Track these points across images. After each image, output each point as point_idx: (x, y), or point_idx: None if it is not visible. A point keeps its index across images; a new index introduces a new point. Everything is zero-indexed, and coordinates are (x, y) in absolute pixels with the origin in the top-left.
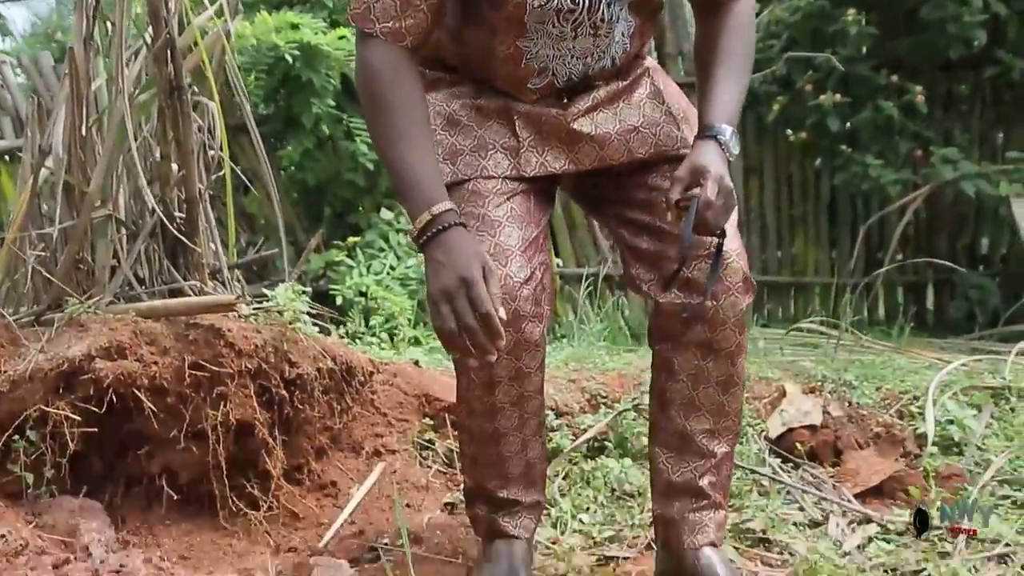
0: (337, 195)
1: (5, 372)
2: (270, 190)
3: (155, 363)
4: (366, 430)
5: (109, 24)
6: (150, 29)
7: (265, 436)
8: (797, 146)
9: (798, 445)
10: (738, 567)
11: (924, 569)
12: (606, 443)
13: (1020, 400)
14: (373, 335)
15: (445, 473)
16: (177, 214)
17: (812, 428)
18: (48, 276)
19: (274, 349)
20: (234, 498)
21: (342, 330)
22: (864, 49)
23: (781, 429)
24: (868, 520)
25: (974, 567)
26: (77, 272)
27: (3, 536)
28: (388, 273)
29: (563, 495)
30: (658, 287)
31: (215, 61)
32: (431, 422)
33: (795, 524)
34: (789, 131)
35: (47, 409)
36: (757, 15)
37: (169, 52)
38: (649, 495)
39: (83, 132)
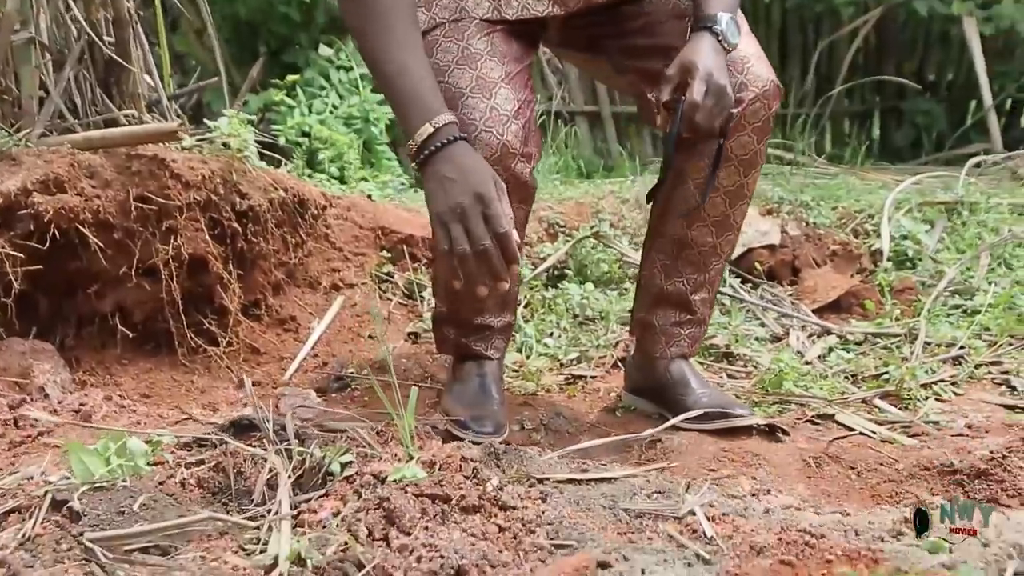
0: (272, 31)
1: None
2: (203, 14)
3: (97, 197)
4: (322, 265)
5: None
6: None
7: (220, 271)
8: None
9: (757, 265)
10: (705, 379)
11: (884, 372)
12: (566, 271)
13: (972, 214)
14: (322, 171)
15: (406, 305)
16: (106, 38)
17: (771, 248)
18: None
19: (223, 180)
20: (192, 335)
21: (288, 167)
22: None
23: (741, 250)
24: (827, 332)
25: (931, 369)
26: (2, 103)
27: None
28: (331, 112)
29: (527, 321)
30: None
31: None
32: (388, 255)
33: (757, 339)
34: None
35: None
36: None
37: None
38: (611, 320)
39: None
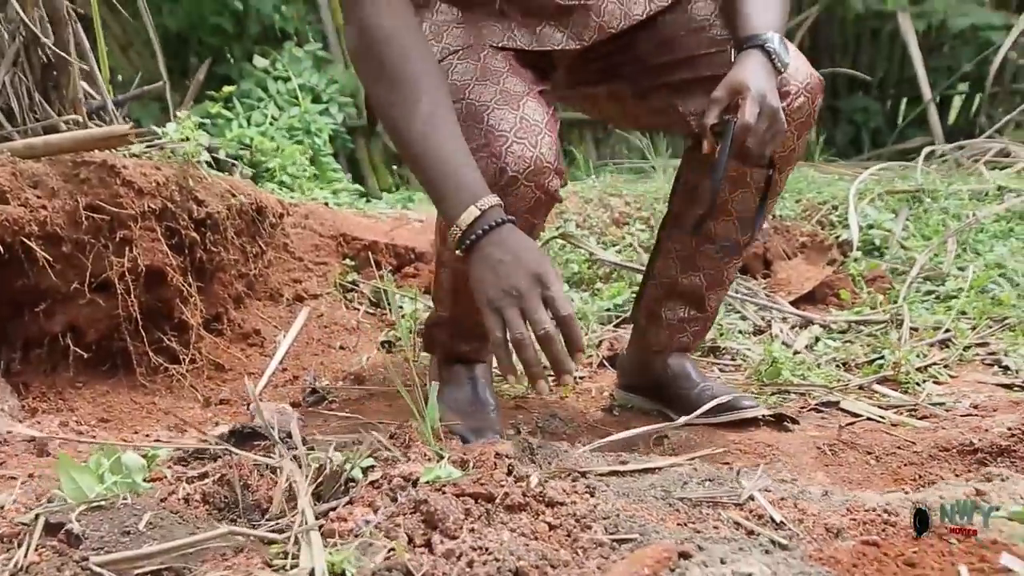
0: (203, 43)
1: None
2: (143, 15)
3: (43, 207)
4: (283, 276)
5: None
6: None
7: (179, 283)
8: None
9: None
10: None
11: (878, 358)
12: None
13: (934, 201)
14: (271, 180)
15: (374, 314)
16: (43, 39)
17: None
18: None
19: (178, 187)
20: (152, 353)
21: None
22: None
23: None
24: (809, 323)
25: (922, 353)
26: None
27: None
28: (271, 124)
29: None
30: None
31: None
32: (352, 263)
33: (740, 332)
34: None
35: None
36: None
37: None
38: (590, 319)
39: None
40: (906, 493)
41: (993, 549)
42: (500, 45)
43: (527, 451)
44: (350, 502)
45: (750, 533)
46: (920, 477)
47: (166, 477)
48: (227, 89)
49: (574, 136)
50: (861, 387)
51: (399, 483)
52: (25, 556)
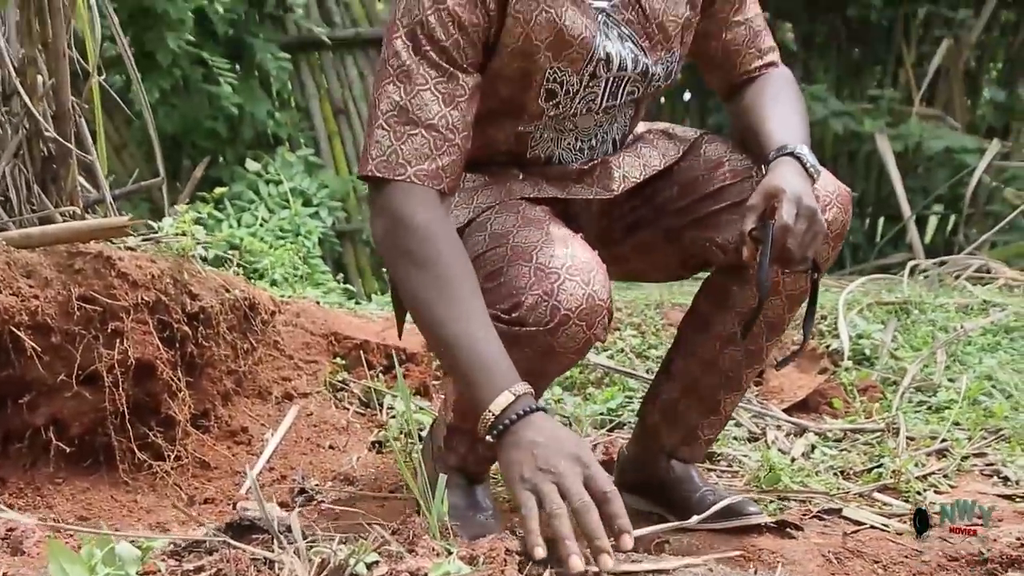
0: (196, 145)
1: None
2: (144, 113)
3: (35, 297)
4: (273, 373)
5: None
6: None
7: (168, 377)
8: (671, 90)
9: None
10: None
11: (876, 466)
12: None
13: (921, 313)
14: (261, 277)
15: (364, 414)
16: (46, 131)
17: None
18: None
19: (173, 280)
20: (136, 448)
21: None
22: None
23: None
24: (804, 431)
25: (920, 462)
26: None
27: None
28: (261, 225)
29: None
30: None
31: None
32: (343, 362)
33: (735, 439)
34: None
35: None
36: None
37: None
38: (584, 423)
39: None
40: None
41: None
42: (532, 197)
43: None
44: None
45: None
46: None
47: (160, 571)
48: (219, 191)
49: None
50: (861, 495)
51: None
52: None
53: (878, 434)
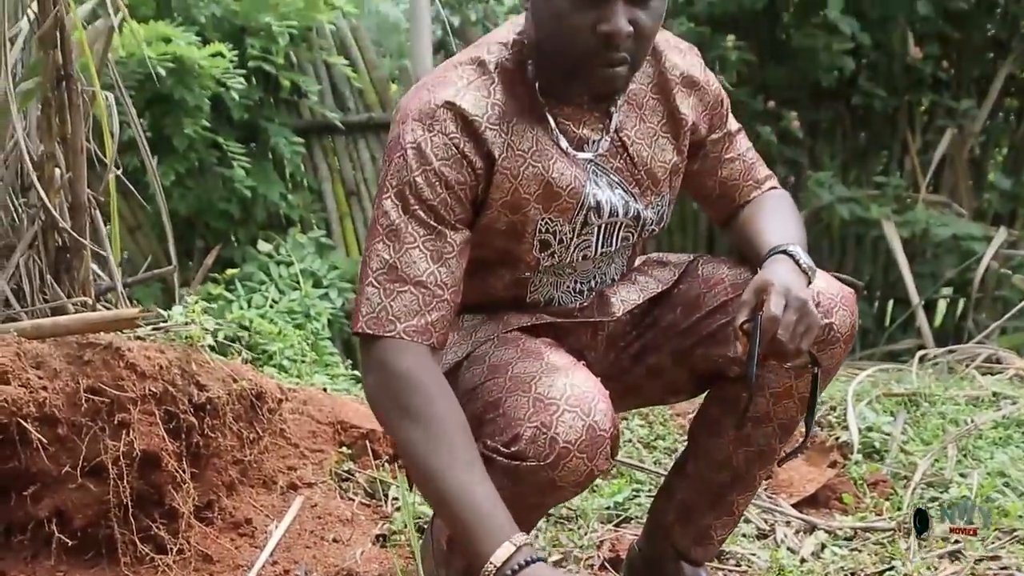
0: (209, 227)
1: None
2: (159, 202)
3: (44, 388)
4: (278, 462)
5: None
6: (32, 7)
7: (173, 469)
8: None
9: None
10: None
11: (888, 568)
12: None
13: (931, 406)
14: (270, 364)
15: (369, 505)
16: (61, 223)
17: None
18: None
19: (181, 371)
20: (138, 541)
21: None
22: (736, 74)
23: None
24: (814, 528)
25: (932, 565)
26: None
27: None
28: (271, 307)
29: None
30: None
31: (97, 58)
32: (349, 451)
33: (744, 536)
34: None
35: None
36: None
37: (59, 34)
38: (590, 517)
39: None
40: None
41: None
42: (531, 324)
43: None
44: None
45: None
46: None
47: None
48: (230, 272)
49: None
50: None
51: None
52: None
53: (889, 533)
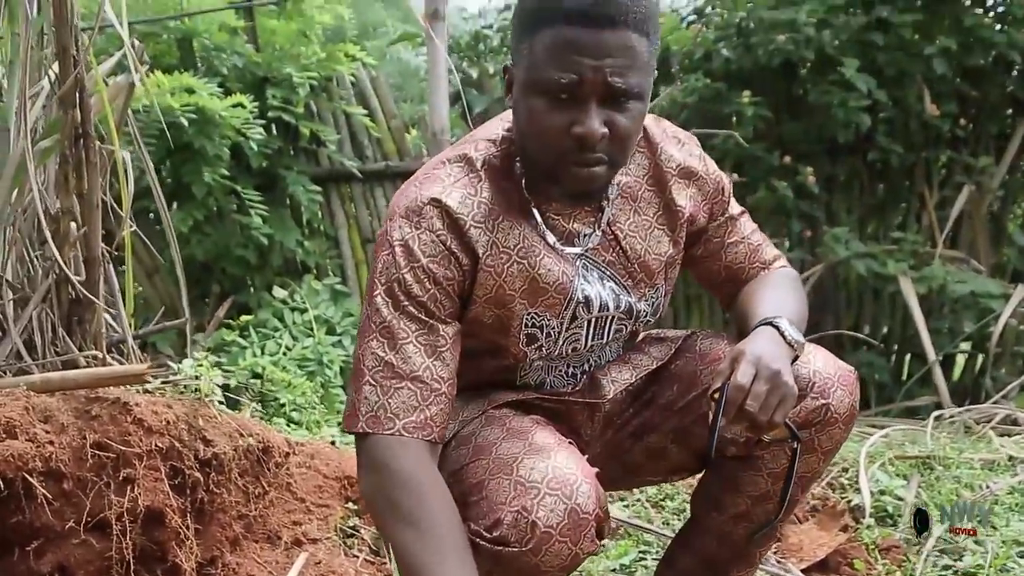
0: (226, 272)
1: None
2: (173, 256)
3: (50, 443)
4: (283, 517)
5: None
6: (53, 68)
7: (177, 525)
8: None
9: None
10: None
11: None
12: None
13: (945, 469)
14: (280, 415)
15: (373, 563)
16: (75, 277)
17: None
18: None
19: (188, 426)
20: None
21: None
22: (752, 130)
23: None
24: None
25: None
26: None
27: None
28: (284, 354)
29: None
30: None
31: (118, 113)
32: (354, 507)
33: None
34: None
35: None
36: (654, 97)
37: (78, 94)
38: None
39: None
40: None
41: None
42: (518, 400)
43: None
44: None
45: None
46: None
47: None
48: (244, 319)
49: None
50: None
51: None
52: None
53: None
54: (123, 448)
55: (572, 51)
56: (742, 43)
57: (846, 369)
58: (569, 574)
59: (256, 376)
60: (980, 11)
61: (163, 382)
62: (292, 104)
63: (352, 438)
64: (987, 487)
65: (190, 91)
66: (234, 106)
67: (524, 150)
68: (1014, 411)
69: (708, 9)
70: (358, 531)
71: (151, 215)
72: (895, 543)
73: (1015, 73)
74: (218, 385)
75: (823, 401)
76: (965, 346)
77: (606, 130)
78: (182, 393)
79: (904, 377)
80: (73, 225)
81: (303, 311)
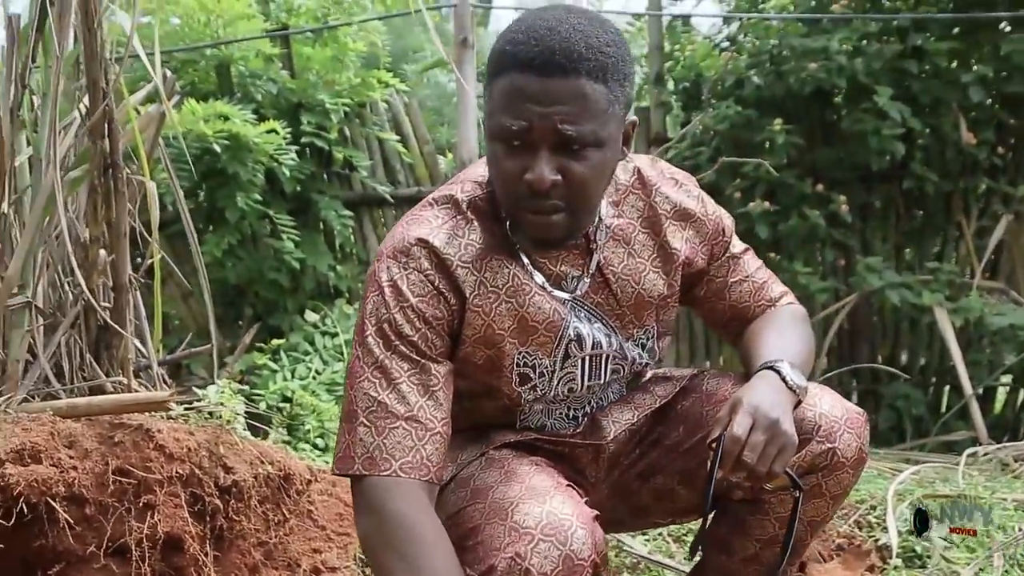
0: (259, 295)
1: None
2: (202, 282)
3: (74, 468)
4: (303, 545)
5: (36, 99)
6: (84, 101)
7: (196, 551)
8: None
9: None
10: None
11: None
12: None
13: (977, 509)
14: (305, 441)
15: None
16: (103, 304)
17: None
18: None
19: (209, 453)
20: None
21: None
22: (787, 159)
23: None
24: None
25: None
26: None
27: None
28: (314, 378)
29: None
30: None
31: (148, 143)
32: None
33: None
34: None
35: None
36: (683, 125)
37: (107, 125)
38: None
39: (3, 210)
40: None
41: None
42: (519, 441)
43: None
44: None
45: None
46: None
47: None
48: (275, 342)
49: None
50: None
51: None
52: None
53: None
54: (144, 474)
55: (522, 98)
56: (774, 70)
57: (854, 412)
58: None
59: (286, 400)
60: (1018, 36)
61: (186, 408)
62: (326, 130)
63: None
64: (1021, 529)
65: (224, 118)
66: (267, 132)
67: (496, 194)
68: None
69: (741, 37)
70: None
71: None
72: None
73: None
74: (243, 411)
75: (829, 445)
76: (1007, 379)
77: (557, 177)
78: (207, 419)
79: (943, 410)
80: (102, 252)
81: (334, 335)
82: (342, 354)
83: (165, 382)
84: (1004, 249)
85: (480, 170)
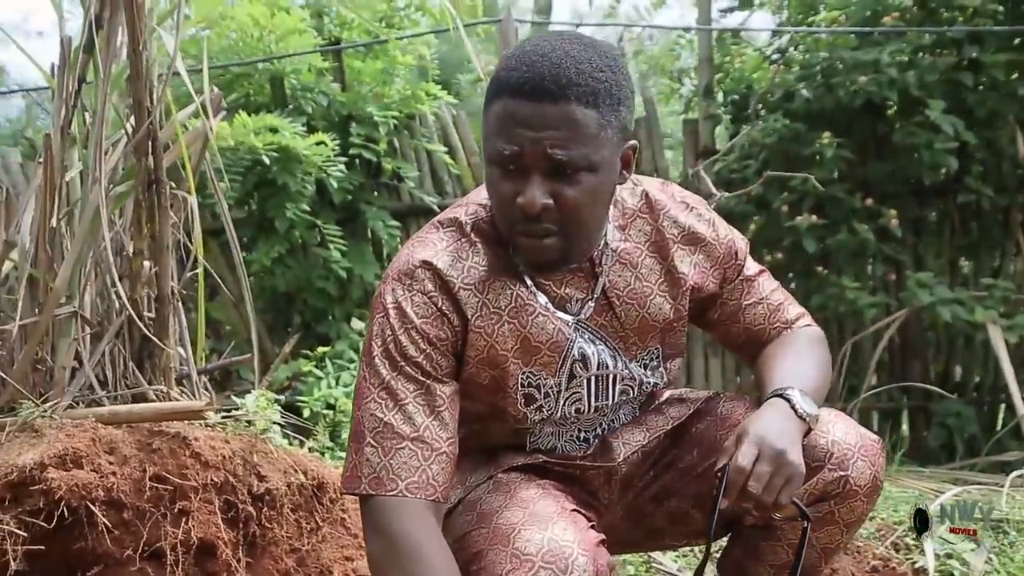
0: (307, 303)
1: None
2: (244, 294)
3: (113, 473)
4: (335, 552)
5: (87, 115)
6: (131, 119)
7: (228, 558)
8: (773, 267)
9: None
10: None
11: None
12: None
13: (1020, 534)
14: (344, 448)
15: None
16: (146, 314)
17: None
18: (3, 376)
19: (243, 461)
20: None
21: (310, 444)
22: (836, 172)
23: None
24: None
25: None
26: (35, 372)
27: None
28: None
29: None
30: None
31: (194, 158)
32: None
33: None
34: (765, 251)
35: None
36: (732, 137)
37: (151, 143)
38: None
39: (53, 224)
40: None
41: None
42: (528, 464)
43: None
44: None
45: None
46: None
47: None
48: (320, 350)
49: None
50: None
51: None
52: None
53: None
54: (180, 481)
55: (514, 123)
56: (824, 83)
57: (869, 439)
58: None
59: (330, 407)
60: None
61: (224, 416)
62: (375, 141)
63: None
64: None
65: (274, 130)
66: (316, 144)
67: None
68: None
69: (791, 49)
70: None
71: (242, 244)
72: None
73: None
74: (280, 420)
75: (841, 473)
76: None
77: (549, 201)
78: (245, 427)
79: (998, 427)
80: (146, 264)
81: None
82: None
83: (206, 390)
84: None
85: (484, 193)
